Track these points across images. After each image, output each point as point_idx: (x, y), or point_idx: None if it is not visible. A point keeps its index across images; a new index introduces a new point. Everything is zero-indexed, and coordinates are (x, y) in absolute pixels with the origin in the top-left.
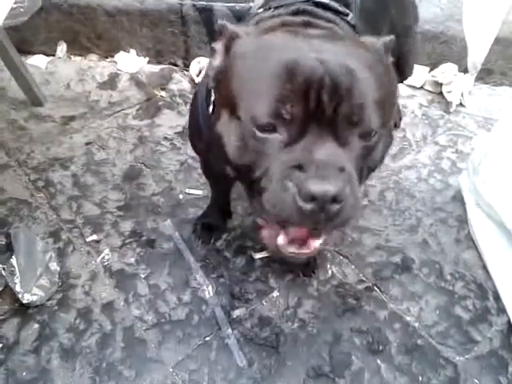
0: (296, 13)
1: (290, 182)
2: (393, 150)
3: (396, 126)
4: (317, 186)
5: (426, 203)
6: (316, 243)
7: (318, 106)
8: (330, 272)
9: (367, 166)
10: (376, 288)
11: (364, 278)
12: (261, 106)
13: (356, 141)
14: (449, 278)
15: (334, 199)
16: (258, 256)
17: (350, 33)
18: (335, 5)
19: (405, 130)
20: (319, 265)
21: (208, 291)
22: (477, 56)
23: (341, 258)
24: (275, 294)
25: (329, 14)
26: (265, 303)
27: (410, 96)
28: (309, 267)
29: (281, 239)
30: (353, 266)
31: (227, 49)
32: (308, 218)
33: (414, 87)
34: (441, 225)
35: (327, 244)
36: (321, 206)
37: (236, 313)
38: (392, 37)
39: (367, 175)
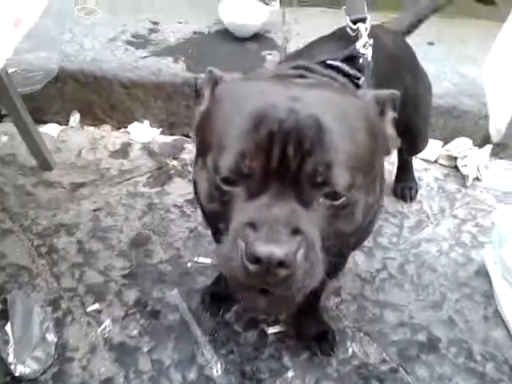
0: (296, 68)
1: (242, 240)
2: (411, 222)
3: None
4: (261, 249)
5: (449, 278)
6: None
7: (281, 161)
8: (350, 351)
9: (339, 229)
10: (401, 369)
11: (388, 358)
12: (224, 158)
13: (321, 200)
14: (479, 358)
15: (281, 263)
16: (271, 330)
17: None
18: (346, 67)
19: (421, 202)
20: (338, 342)
21: (216, 369)
22: (500, 120)
23: (361, 335)
24: (290, 374)
25: (331, 72)
26: None
27: (425, 169)
28: (327, 345)
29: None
30: (375, 345)
31: (212, 97)
32: (254, 279)
33: (428, 161)
34: (466, 301)
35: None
36: (265, 268)
37: None
38: (392, 91)
39: (342, 239)
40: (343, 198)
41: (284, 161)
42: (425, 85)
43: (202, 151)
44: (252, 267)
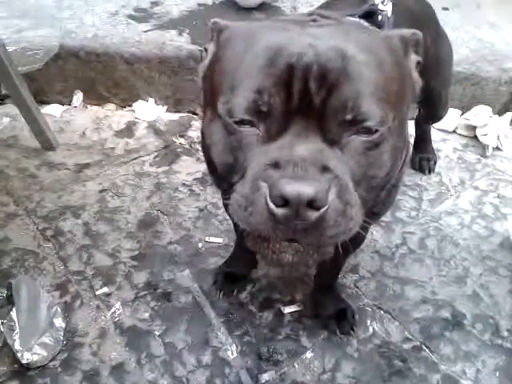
0: (310, 15)
1: (263, 181)
2: (430, 194)
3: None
4: (289, 187)
5: (472, 251)
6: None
7: (303, 97)
8: (370, 329)
9: (368, 174)
10: (425, 347)
11: (410, 336)
12: (237, 98)
13: (350, 138)
14: (506, 334)
15: (311, 203)
16: (287, 310)
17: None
18: (364, 23)
19: (440, 174)
20: (358, 321)
21: (231, 351)
22: None
23: (382, 313)
24: (308, 354)
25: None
26: (297, 366)
27: (443, 140)
28: (346, 323)
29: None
30: (397, 323)
31: (217, 45)
32: (282, 225)
33: (446, 131)
34: (491, 275)
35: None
36: (295, 211)
37: (264, 377)
38: (414, 30)
39: (372, 187)
40: (376, 135)
41: (306, 96)
42: (446, 47)
43: (212, 99)
44: (278, 211)
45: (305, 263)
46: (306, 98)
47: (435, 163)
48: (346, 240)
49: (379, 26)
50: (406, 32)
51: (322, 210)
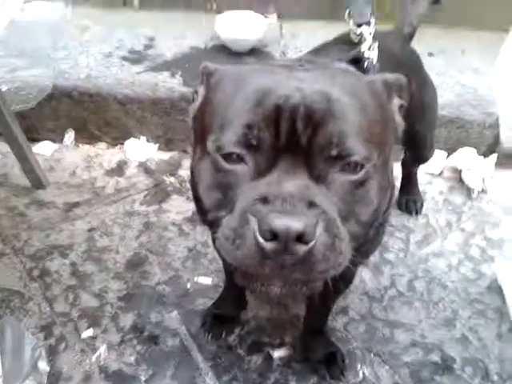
0: (298, 61)
1: (252, 215)
2: (417, 236)
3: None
4: (278, 221)
5: (460, 294)
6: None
7: (290, 135)
8: (361, 374)
9: (355, 211)
10: None
11: (400, 381)
12: (227, 134)
13: (336, 175)
14: (495, 378)
15: (300, 237)
16: (276, 354)
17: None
18: (351, 69)
19: (427, 215)
20: (348, 365)
21: None
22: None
23: (372, 356)
24: None
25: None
26: None
27: (429, 182)
28: (336, 368)
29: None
30: (387, 367)
31: (207, 87)
32: (270, 260)
33: (432, 174)
34: (479, 318)
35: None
36: (284, 245)
37: None
38: (398, 75)
39: (359, 223)
40: (361, 172)
41: (293, 134)
42: (430, 92)
43: (201, 138)
44: (266, 245)
45: (293, 296)
46: (293, 137)
47: (422, 205)
48: (336, 277)
49: (365, 71)
50: (390, 77)
51: (311, 244)
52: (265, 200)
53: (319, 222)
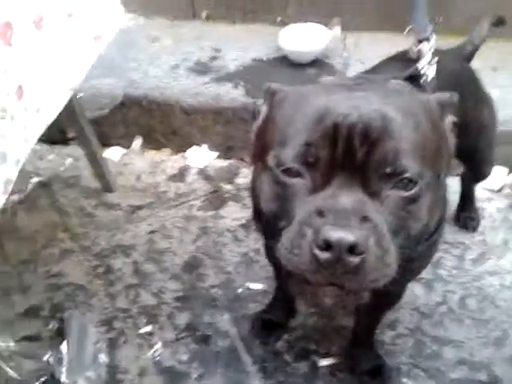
0: (356, 79)
1: (309, 227)
2: (473, 254)
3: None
4: (332, 233)
5: None
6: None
7: (347, 152)
8: None
9: (405, 226)
10: None
11: None
12: (287, 150)
13: (390, 191)
14: None
15: (352, 249)
16: (322, 362)
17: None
18: (408, 85)
19: (484, 233)
20: (393, 379)
21: None
22: None
23: (418, 371)
24: None
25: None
26: None
27: (488, 199)
28: (381, 381)
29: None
30: (433, 382)
31: (270, 106)
32: (323, 269)
33: (492, 190)
34: None
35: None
36: (337, 256)
37: None
38: (451, 94)
39: (409, 238)
40: (414, 189)
41: (350, 152)
42: (488, 109)
43: (262, 153)
44: (322, 255)
45: (342, 306)
46: (350, 154)
47: (479, 222)
48: (386, 291)
49: (422, 88)
50: (443, 95)
51: (362, 256)
52: (320, 213)
53: (371, 236)
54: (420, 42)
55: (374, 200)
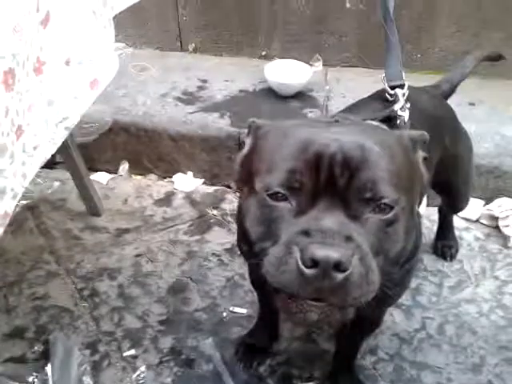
0: (333, 117)
1: (295, 246)
2: (451, 281)
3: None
4: (319, 251)
5: (489, 340)
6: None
7: (329, 179)
8: None
9: (384, 248)
10: None
11: None
12: (273, 176)
13: (369, 215)
14: None
15: (338, 266)
16: None
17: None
18: (383, 126)
19: (462, 261)
20: None
21: None
22: None
23: None
24: None
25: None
26: None
27: (466, 229)
28: None
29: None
30: None
31: (254, 138)
32: (310, 285)
33: (469, 220)
34: (507, 365)
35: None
36: (323, 272)
37: None
38: (422, 132)
39: (388, 260)
40: (391, 213)
41: (332, 178)
42: (465, 145)
43: (249, 179)
44: (308, 271)
45: (327, 323)
46: (332, 181)
47: (457, 251)
48: (365, 317)
49: (397, 128)
50: (415, 133)
51: (347, 272)
52: (306, 233)
53: (355, 254)
54: (393, 88)
55: (355, 222)
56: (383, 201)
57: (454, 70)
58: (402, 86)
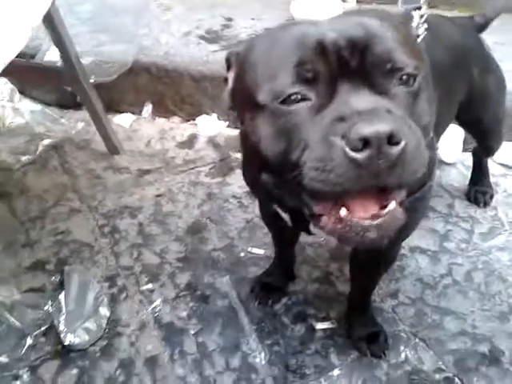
0: None
1: (335, 136)
2: (483, 228)
3: None
4: (367, 128)
5: None
6: (390, 201)
7: (340, 61)
8: (403, 355)
9: (414, 120)
10: (457, 379)
11: (443, 367)
12: (281, 79)
13: (396, 89)
14: None
15: (391, 139)
16: (319, 326)
17: None
18: None
19: (496, 208)
20: (391, 346)
21: (260, 358)
22: None
23: (417, 340)
24: (336, 372)
25: None
26: (323, 381)
27: (503, 175)
28: (378, 347)
29: (343, 211)
30: (431, 352)
31: (237, 65)
32: (366, 170)
33: (506, 166)
34: None
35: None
36: (377, 149)
37: None
38: (410, 9)
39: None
40: (416, 82)
41: (344, 62)
42: (496, 79)
43: (248, 101)
44: (360, 156)
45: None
46: (345, 63)
47: (491, 197)
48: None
49: None
50: (404, 11)
51: (403, 144)
52: (342, 119)
53: (403, 124)
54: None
55: (385, 99)
56: (405, 71)
57: (487, 4)
58: (418, 9)
